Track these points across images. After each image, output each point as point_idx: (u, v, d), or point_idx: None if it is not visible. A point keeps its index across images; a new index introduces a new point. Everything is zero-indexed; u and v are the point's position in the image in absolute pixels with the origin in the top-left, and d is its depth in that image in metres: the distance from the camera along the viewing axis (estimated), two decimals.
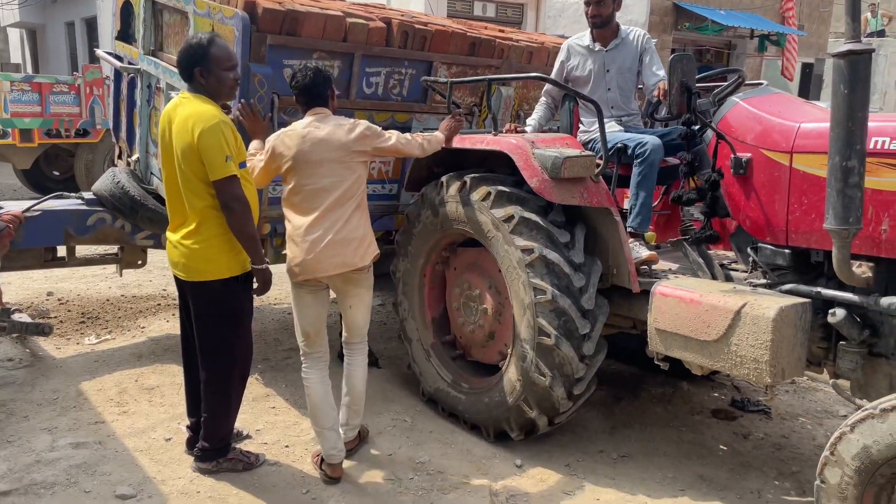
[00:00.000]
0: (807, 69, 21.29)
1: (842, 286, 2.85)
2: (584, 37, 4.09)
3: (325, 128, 3.22)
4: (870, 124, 2.55)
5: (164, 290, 6.21)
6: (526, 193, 3.49)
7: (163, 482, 3.18)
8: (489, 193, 3.55)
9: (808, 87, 21.72)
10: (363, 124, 3.30)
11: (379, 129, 3.39)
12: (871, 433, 2.33)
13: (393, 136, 3.41)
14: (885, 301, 2.69)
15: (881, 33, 21.79)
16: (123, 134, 5.11)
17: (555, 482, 3.34)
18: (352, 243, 3.19)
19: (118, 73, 5.12)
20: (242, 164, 3.08)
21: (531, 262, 3.36)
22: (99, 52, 5.55)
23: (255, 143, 3.55)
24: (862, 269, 2.75)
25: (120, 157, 5.27)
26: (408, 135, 3.53)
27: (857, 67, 2.45)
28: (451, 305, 4.12)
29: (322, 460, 3.31)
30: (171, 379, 4.25)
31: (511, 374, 3.56)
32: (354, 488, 3.23)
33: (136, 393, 4.09)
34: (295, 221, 3.22)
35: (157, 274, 6.61)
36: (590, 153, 3.52)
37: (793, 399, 4.32)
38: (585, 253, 3.47)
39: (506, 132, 3.85)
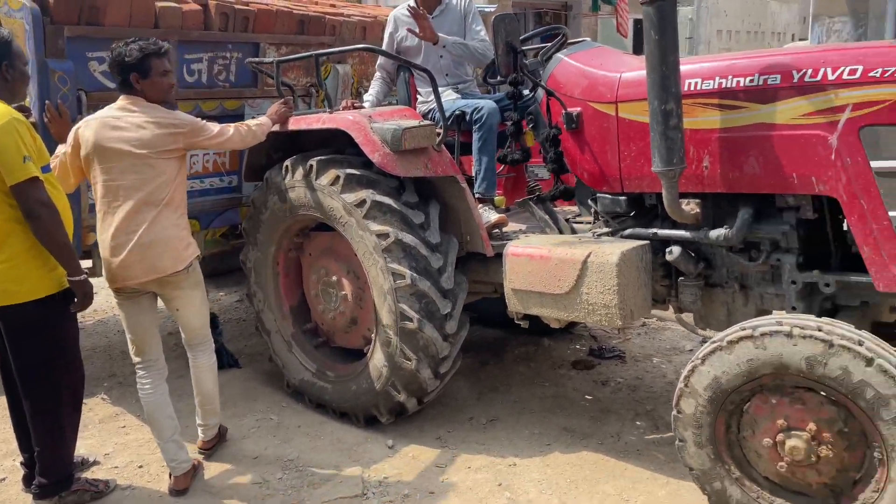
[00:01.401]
0: (639, 25, 22.49)
1: (675, 225, 2.99)
2: (401, 10, 4.02)
3: (130, 118, 2.94)
4: (682, 68, 2.67)
5: None
6: (376, 175, 3.39)
7: None
8: (338, 177, 3.41)
9: (642, 42, 22.82)
10: (177, 119, 3.03)
11: (201, 123, 3.12)
12: (720, 364, 2.45)
13: (215, 129, 3.15)
14: (714, 233, 2.84)
15: None
16: None
17: (427, 457, 3.31)
18: (159, 247, 2.94)
19: None
20: (46, 168, 2.76)
21: (388, 247, 3.28)
22: None
23: (62, 147, 3.21)
24: (690, 207, 2.89)
25: None
26: (230, 127, 3.27)
27: (665, 13, 2.54)
28: (309, 292, 3.96)
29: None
30: None
31: (376, 360, 3.48)
32: (218, 497, 3.03)
33: None
34: (99, 223, 2.99)
35: None
36: (429, 122, 3.48)
37: (644, 341, 4.55)
38: (441, 230, 3.43)
39: (342, 109, 3.72)
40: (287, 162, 3.68)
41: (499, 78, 3.66)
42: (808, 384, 2.32)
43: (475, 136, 3.61)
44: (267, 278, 3.98)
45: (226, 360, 4.34)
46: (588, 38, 3.70)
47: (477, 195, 3.60)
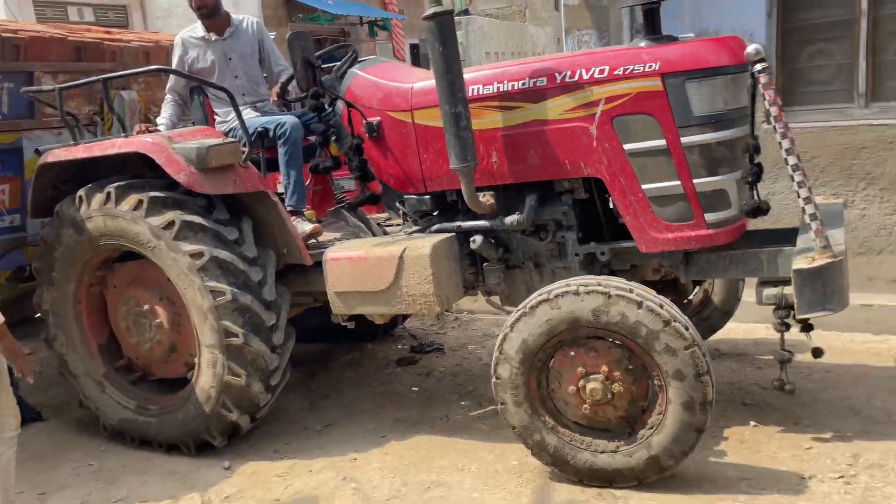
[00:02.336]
0: (415, 49, 23.76)
1: (475, 216, 3.33)
2: (196, 28, 4.03)
3: None
4: (465, 75, 3.01)
5: None
6: (183, 196, 3.37)
7: None
8: (140, 202, 3.34)
9: (419, 65, 24.16)
10: None
11: None
12: (526, 328, 2.80)
13: None
14: (508, 220, 3.21)
15: (466, 12, 25.05)
16: None
17: (267, 470, 3.34)
18: None
19: None
20: None
21: (203, 266, 3.27)
22: None
23: None
24: (486, 198, 3.23)
25: None
26: None
27: (444, 26, 2.86)
28: (118, 327, 3.79)
29: None
30: None
31: (203, 383, 3.43)
32: None
33: None
34: None
35: None
36: (233, 140, 3.53)
37: (458, 332, 4.90)
38: (256, 245, 3.48)
39: (137, 134, 3.64)
40: (80, 192, 3.52)
41: (295, 95, 3.82)
42: (596, 333, 2.74)
43: (281, 152, 3.71)
44: (68, 318, 3.76)
45: (26, 415, 3.99)
46: (377, 55, 3.97)
47: (289, 208, 3.69)
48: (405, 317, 4.82)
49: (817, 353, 3.05)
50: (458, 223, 3.38)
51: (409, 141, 3.37)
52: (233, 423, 3.47)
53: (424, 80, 3.32)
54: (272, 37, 4.26)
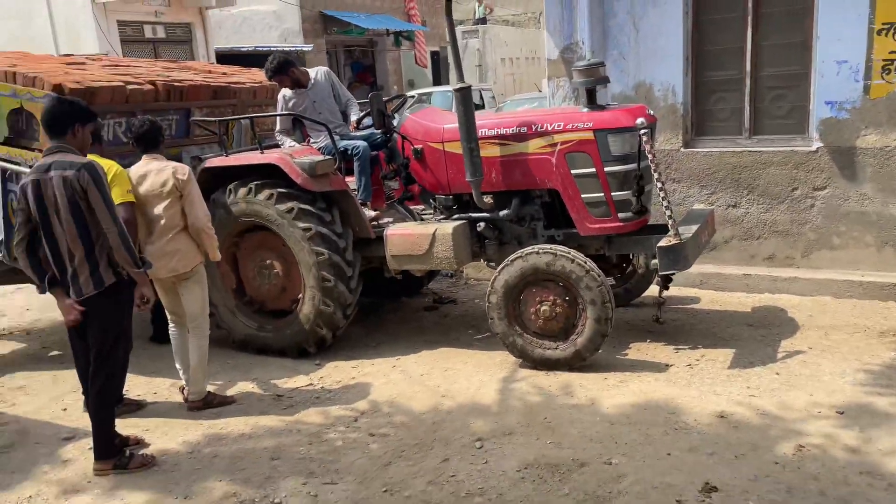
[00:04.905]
0: (435, 56, 25.58)
1: (480, 210, 5.31)
2: (286, 89, 5.98)
3: (153, 169, 4.62)
4: (477, 121, 5.00)
5: None
6: (299, 192, 5.33)
7: None
8: (272, 194, 5.33)
9: (440, 70, 26.11)
10: (186, 170, 4.62)
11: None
12: (507, 273, 4.80)
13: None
14: (502, 213, 5.22)
15: (483, 20, 26.81)
16: None
17: (343, 365, 5.34)
18: (175, 255, 4.58)
19: None
20: None
21: (311, 237, 5.26)
22: None
23: None
24: (488, 199, 5.22)
25: None
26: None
27: (465, 95, 4.85)
28: (246, 276, 5.78)
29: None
30: None
31: (305, 310, 5.41)
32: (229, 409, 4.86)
33: None
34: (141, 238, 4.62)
35: None
36: (329, 157, 5.52)
37: (467, 291, 6.92)
38: (341, 224, 5.47)
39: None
40: (230, 186, 5.52)
41: (373, 129, 5.80)
42: (548, 277, 4.73)
43: (355, 165, 5.70)
44: (212, 269, 5.76)
45: None
46: (427, 104, 5.95)
47: (359, 200, 5.69)
48: (430, 279, 6.85)
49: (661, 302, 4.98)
50: (469, 214, 5.37)
51: (440, 161, 5.37)
52: (322, 337, 5.47)
53: (451, 123, 5.31)
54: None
